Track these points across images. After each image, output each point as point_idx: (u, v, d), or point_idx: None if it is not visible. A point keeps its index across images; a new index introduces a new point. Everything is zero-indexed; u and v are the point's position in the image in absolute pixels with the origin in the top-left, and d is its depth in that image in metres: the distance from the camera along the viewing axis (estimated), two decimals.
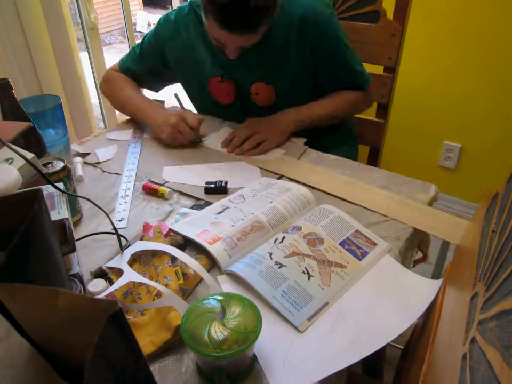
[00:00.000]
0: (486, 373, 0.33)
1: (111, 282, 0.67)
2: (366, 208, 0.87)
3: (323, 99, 1.18)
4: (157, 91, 1.33)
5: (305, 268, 0.70)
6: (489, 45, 1.71)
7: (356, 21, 1.28)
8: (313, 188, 0.93)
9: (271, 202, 0.84)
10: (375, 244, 0.78)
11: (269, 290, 0.66)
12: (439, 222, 0.84)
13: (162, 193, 0.91)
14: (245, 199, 0.86)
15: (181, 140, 1.09)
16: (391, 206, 0.88)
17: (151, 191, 0.93)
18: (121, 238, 0.75)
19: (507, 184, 0.52)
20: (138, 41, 1.27)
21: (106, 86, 1.26)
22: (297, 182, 0.95)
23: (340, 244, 0.76)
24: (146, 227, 0.78)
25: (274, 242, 0.75)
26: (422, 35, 1.80)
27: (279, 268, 0.70)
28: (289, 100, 1.16)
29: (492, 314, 0.36)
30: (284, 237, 0.76)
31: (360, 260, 0.74)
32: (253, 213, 0.81)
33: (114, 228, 0.75)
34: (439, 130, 1.99)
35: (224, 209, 0.83)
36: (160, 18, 1.20)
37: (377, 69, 1.32)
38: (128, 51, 1.27)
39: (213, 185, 0.93)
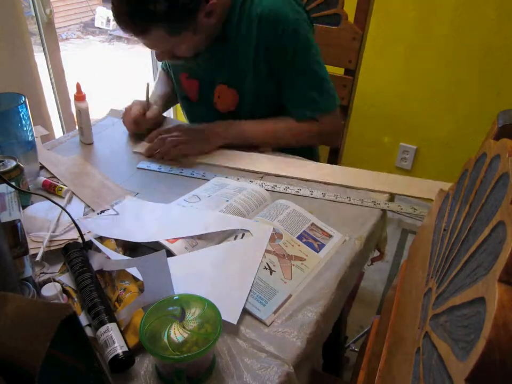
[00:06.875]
0: (437, 366, 0.34)
1: (67, 294, 0.65)
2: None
3: (266, 120, 1.08)
4: None
5: (267, 263, 0.71)
6: (446, 50, 1.78)
7: (318, 23, 1.29)
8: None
9: (227, 201, 0.84)
10: (330, 236, 0.80)
11: None
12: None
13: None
14: (200, 198, 0.86)
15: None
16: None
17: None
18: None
19: (457, 185, 0.54)
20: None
21: None
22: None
23: (297, 237, 0.78)
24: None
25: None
26: (382, 39, 1.86)
27: None
28: (251, 108, 1.09)
29: (443, 309, 0.38)
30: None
31: (317, 252, 0.76)
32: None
33: (76, 226, 0.71)
34: (396, 133, 2.05)
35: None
36: None
37: (339, 71, 1.33)
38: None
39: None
